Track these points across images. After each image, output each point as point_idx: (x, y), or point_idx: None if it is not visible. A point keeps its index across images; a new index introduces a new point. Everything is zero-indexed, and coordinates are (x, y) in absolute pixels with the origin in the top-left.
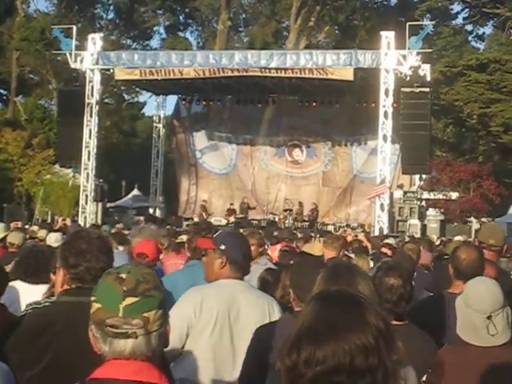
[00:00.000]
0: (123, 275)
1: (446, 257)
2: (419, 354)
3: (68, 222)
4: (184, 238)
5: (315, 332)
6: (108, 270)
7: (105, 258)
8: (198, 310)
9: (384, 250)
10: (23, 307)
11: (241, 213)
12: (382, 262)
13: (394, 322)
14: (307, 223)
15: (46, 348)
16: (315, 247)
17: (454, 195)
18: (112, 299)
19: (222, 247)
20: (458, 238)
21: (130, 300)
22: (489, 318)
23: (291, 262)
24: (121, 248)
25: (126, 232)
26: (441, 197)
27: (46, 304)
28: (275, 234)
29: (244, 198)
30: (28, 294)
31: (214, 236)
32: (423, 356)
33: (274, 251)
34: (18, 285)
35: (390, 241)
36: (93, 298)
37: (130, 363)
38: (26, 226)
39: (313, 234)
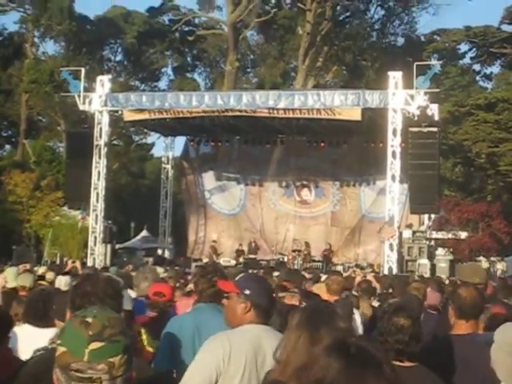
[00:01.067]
0: (89, 319)
1: None
2: None
3: (78, 264)
4: (192, 286)
5: None
6: (74, 313)
7: (110, 301)
8: (227, 357)
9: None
10: (30, 350)
11: (248, 253)
12: (388, 303)
13: (407, 364)
14: (319, 263)
15: None
16: (322, 289)
17: (463, 235)
18: (77, 343)
19: (247, 292)
20: None
21: (95, 345)
22: None
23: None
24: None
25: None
26: (450, 236)
27: (51, 349)
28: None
29: (253, 238)
30: (37, 337)
31: (237, 280)
32: None
33: None
34: (26, 329)
35: None
36: (58, 342)
37: None
38: (36, 268)
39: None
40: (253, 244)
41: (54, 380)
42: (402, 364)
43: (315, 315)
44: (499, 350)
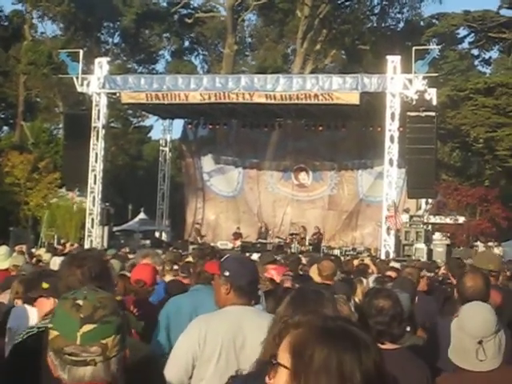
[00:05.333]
0: (80, 301)
1: (448, 281)
2: (409, 381)
3: (76, 247)
4: (191, 258)
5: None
6: (64, 295)
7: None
8: (203, 341)
9: (389, 273)
10: None
11: (258, 238)
12: (369, 288)
13: (388, 346)
14: (312, 247)
15: (39, 371)
16: (316, 273)
17: (461, 219)
18: (69, 327)
19: (226, 273)
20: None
21: (87, 327)
22: (480, 342)
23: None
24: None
25: (131, 256)
26: (447, 221)
27: (41, 328)
28: (279, 258)
29: (263, 223)
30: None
31: (221, 261)
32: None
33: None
34: (26, 307)
35: (396, 265)
36: (50, 326)
37: None
38: (33, 250)
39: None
40: (263, 229)
41: (48, 363)
42: (382, 346)
43: (300, 298)
44: (455, 323)
